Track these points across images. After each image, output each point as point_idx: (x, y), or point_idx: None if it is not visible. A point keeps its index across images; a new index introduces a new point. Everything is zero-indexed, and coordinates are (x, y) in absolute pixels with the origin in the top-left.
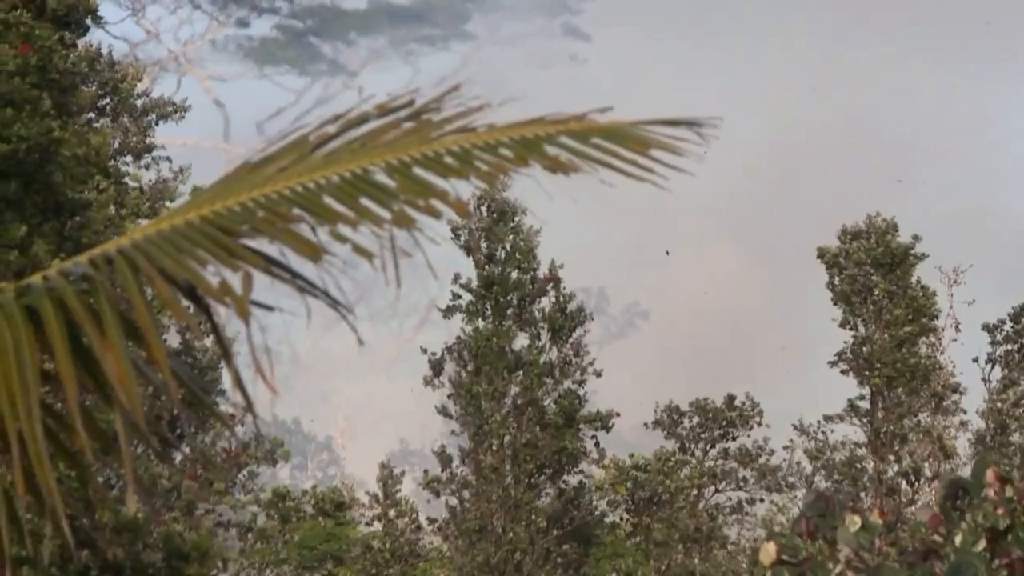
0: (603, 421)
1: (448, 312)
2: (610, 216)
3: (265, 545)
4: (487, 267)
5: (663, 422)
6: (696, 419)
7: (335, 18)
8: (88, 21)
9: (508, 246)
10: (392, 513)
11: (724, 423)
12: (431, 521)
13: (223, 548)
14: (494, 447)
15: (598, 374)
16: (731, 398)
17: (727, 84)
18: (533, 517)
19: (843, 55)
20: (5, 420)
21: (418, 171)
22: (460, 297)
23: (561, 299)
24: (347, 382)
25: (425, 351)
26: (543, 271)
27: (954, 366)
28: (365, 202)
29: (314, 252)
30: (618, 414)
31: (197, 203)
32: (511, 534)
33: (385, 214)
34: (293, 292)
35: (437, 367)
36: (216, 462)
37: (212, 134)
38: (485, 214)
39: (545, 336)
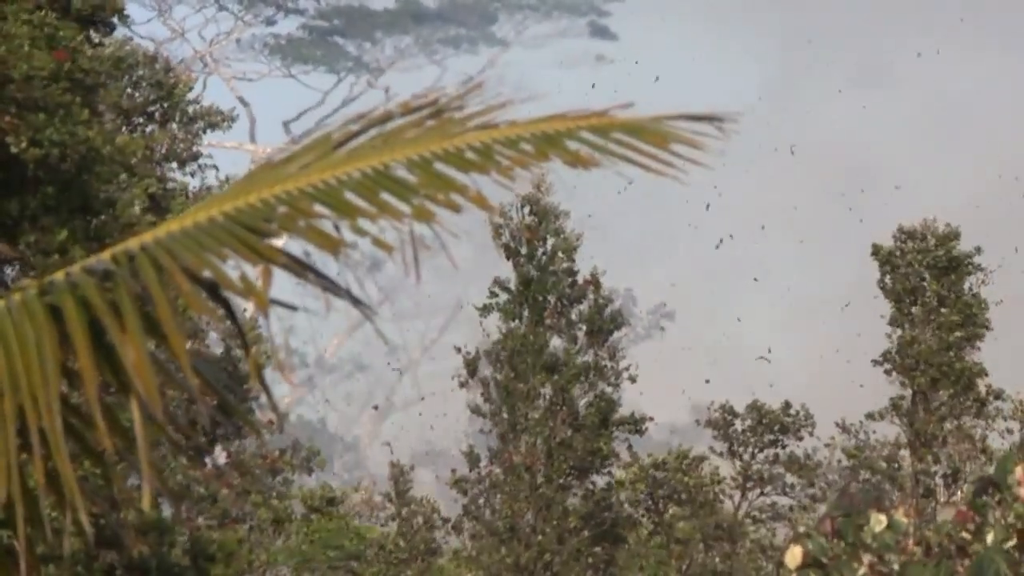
0: (636, 425)
1: (485, 311)
2: (639, 218)
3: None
4: (526, 267)
5: (716, 422)
6: (748, 421)
7: (361, 18)
8: (115, 20)
9: (549, 248)
10: (405, 512)
11: (777, 428)
12: (446, 520)
13: (250, 550)
14: (527, 446)
15: (633, 379)
16: (787, 404)
17: (757, 84)
18: (565, 517)
19: (882, 53)
20: (27, 415)
21: (439, 166)
22: (497, 295)
23: (600, 302)
24: (373, 383)
25: (459, 350)
26: (583, 274)
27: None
28: (386, 197)
29: (334, 246)
30: (651, 418)
31: (220, 200)
32: (541, 535)
33: (406, 209)
34: (319, 296)
35: (472, 366)
36: (255, 473)
37: (238, 134)
38: (527, 215)
39: (582, 338)
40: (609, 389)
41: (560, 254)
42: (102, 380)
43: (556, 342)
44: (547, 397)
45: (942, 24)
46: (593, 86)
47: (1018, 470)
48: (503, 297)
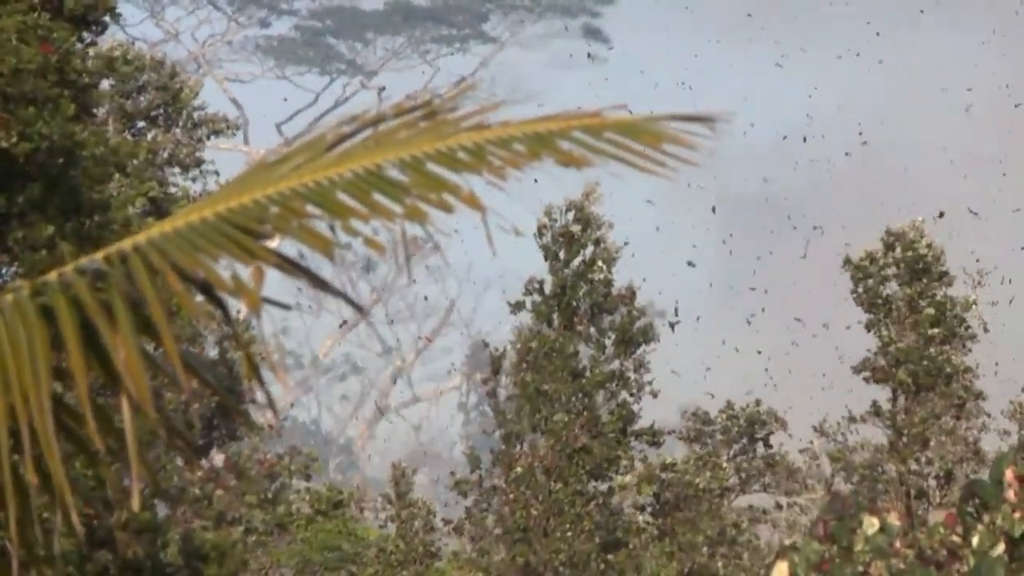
0: (654, 436)
1: (517, 307)
2: (633, 217)
3: (262, 548)
4: (564, 272)
5: (688, 432)
6: (720, 422)
7: (353, 18)
8: (107, 19)
9: (587, 256)
10: (404, 515)
11: (750, 423)
12: (448, 522)
13: (243, 550)
14: (546, 448)
15: (655, 395)
16: (757, 401)
17: (746, 84)
18: (579, 522)
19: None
20: (18, 413)
21: (431, 166)
22: (532, 293)
23: (633, 314)
24: (366, 385)
25: (486, 344)
26: (618, 286)
27: (978, 366)
28: (378, 197)
29: (327, 247)
30: (671, 432)
31: (212, 201)
32: (563, 541)
33: (398, 209)
34: (312, 299)
35: (497, 364)
36: (250, 474)
37: (232, 135)
38: (571, 221)
39: (610, 348)
40: (631, 399)
41: (600, 262)
42: (97, 381)
43: (583, 349)
44: (571, 401)
45: None
46: (592, 60)
47: (1008, 473)
48: (534, 298)
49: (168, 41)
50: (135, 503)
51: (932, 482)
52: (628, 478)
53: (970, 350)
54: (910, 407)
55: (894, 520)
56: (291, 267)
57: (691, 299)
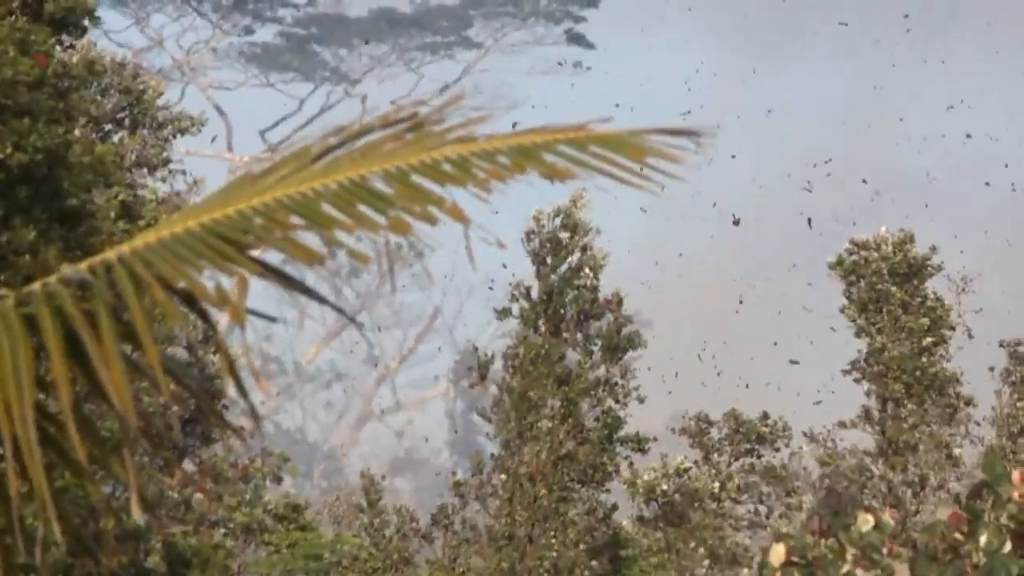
0: (640, 443)
1: (502, 314)
2: (622, 227)
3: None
4: (551, 277)
5: (690, 429)
6: (725, 430)
7: (337, 25)
8: (86, 22)
9: (574, 262)
10: (376, 522)
11: (754, 438)
12: (418, 531)
13: (225, 555)
14: (532, 455)
15: (641, 400)
16: (765, 415)
17: (729, 91)
18: (565, 529)
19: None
20: (0, 425)
21: (416, 178)
22: (517, 300)
23: (620, 320)
24: (351, 391)
25: (476, 348)
26: (604, 292)
27: (962, 374)
28: (363, 209)
29: (312, 257)
30: (655, 438)
31: (197, 211)
32: (551, 550)
33: (382, 220)
34: (296, 303)
35: (484, 369)
36: (228, 476)
37: (216, 142)
38: (558, 225)
39: (597, 354)
40: (616, 406)
41: (587, 269)
42: (79, 389)
43: (570, 355)
44: (555, 408)
45: None
46: (573, 86)
47: (1016, 475)
48: (521, 304)
49: (152, 48)
50: (134, 510)
51: (908, 490)
52: (637, 482)
53: (948, 358)
54: (899, 413)
55: (888, 518)
56: (276, 277)
57: (682, 299)
